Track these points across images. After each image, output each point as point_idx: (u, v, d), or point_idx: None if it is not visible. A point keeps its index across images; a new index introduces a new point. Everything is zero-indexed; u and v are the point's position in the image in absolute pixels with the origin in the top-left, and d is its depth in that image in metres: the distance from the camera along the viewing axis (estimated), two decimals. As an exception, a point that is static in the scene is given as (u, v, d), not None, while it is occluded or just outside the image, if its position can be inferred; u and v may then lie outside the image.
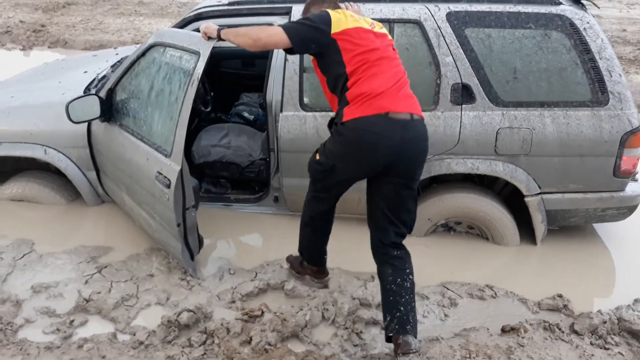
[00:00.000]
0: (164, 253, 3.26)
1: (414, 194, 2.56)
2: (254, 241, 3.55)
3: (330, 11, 2.53)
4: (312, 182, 2.76)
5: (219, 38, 2.61)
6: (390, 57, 2.56)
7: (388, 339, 2.52)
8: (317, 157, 2.65)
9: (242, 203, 3.76)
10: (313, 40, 2.49)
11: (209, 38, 2.66)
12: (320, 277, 3.05)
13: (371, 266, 3.15)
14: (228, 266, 3.21)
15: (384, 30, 2.64)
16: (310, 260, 3.02)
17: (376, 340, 2.67)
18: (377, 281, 3.03)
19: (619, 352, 2.58)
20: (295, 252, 3.07)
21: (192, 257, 3.04)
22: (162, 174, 2.80)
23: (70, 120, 3.18)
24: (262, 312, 2.76)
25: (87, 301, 2.87)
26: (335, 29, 2.46)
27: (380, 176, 2.52)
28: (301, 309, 2.79)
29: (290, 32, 2.46)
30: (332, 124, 2.65)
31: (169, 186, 2.75)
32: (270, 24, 2.96)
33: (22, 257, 3.27)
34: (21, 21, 9.48)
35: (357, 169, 2.56)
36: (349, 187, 2.72)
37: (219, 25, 2.65)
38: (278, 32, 2.46)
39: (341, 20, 2.49)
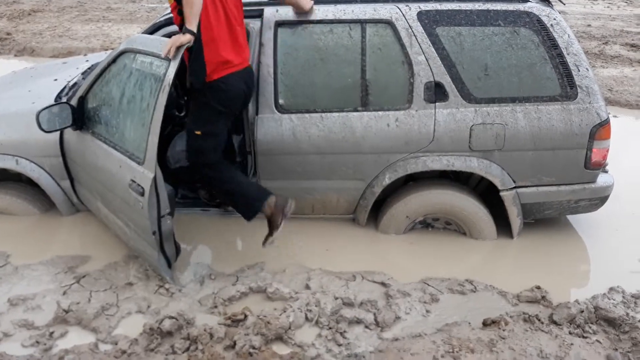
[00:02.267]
0: (142, 261, 3.23)
1: None
2: (233, 245, 3.53)
3: None
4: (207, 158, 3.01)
5: (191, 32, 2.64)
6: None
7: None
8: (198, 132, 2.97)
9: (219, 207, 3.73)
10: None
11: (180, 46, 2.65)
12: (283, 202, 3.06)
13: (352, 266, 3.19)
14: (208, 271, 3.19)
15: None
16: (263, 195, 3.05)
17: (360, 339, 2.68)
18: (358, 280, 3.07)
19: (597, 340, 2.64)
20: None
21: (169, 265, 3.02)
22: (135, 182, 2.77)
23: (42, 129, 3.13)
24: (245, 316, 2.76)
25: (67, 312, 2.82)
26: None
27: None
28: (284, 311, 2.79)
29: None
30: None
31: (142, 194, 2.72)
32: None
33: (-3, 270, 3.20)
34: (-14, 29, 9.28)
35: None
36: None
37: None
38: None
39: None
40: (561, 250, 3.46)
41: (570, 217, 3.80)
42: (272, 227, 3.09)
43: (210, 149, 3.03)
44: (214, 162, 3.06)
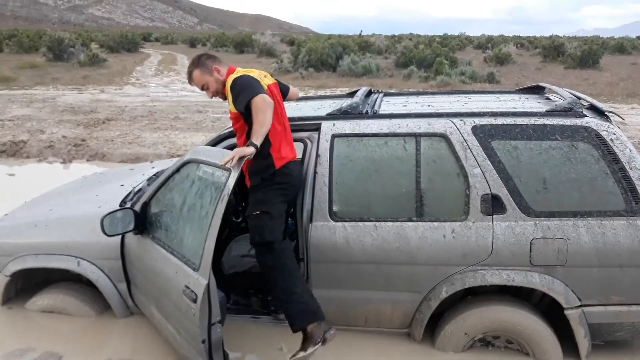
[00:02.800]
0: (191, 369, 3.17)
1: None
2: (282, 356, 3.43)
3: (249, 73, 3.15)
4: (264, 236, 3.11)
5: (256, 147, 2.84)
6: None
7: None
8: (256, 212, 3.15)
9: (270, 316, 3.68)
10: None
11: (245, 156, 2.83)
12: (328, 330, 3.02)
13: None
14: (256, 384, 3.09)
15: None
16: (313, 317, 3.02)
17: None
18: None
19: None
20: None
21: (217, 375, 2.94)
22: (189, 288, 2.79)
23: (105, 233, 3.26)
24: None
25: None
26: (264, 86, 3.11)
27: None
28: None
29: (263, 92, 2.99)
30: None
31: (195, 300, 2.73)
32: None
33: (49, 372, 3.21)
34: (63, 136, 10.03)
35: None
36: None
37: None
38: (262, 97, 2.93)
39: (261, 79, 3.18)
40: (637, 378, 3.17)
41: (645, 340, 3.52)
42: (306, 347, 3.00)
43: (269, 226, 3.13)
44: (275, 242, 3.10)
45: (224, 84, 3.22)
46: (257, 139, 2.87)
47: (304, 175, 3.38)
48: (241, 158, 2.78)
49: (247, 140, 2.96)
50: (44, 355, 3.38)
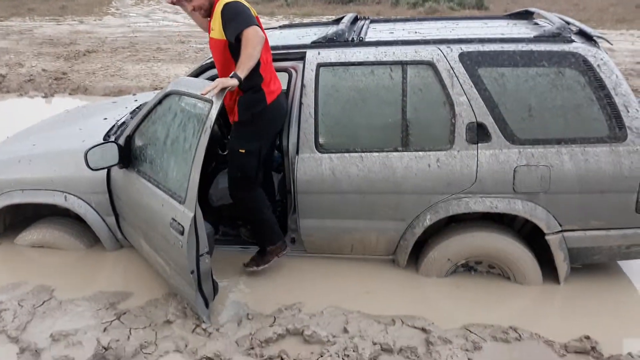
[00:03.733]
0: (181, 299, 3.25)
1: None
2: (271, 284, 3.52)
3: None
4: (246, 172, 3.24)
5: (240, 80, 2.77)
6: None
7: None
8: (242, 150, 3.19)
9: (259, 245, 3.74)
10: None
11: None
12: (284, 249, 3.48)
13: (392, 309, 3.12)
14: (246, 311, 3.18)
15: None
16: (277, 237, 3.43)
17: (398, 386, 2.61)
18: (398, 324, 2.99)
19: (653, 397, 2.48)
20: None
21: (206, 305, 3.02)
22: (176, 221, 2.81)
23: (89, 167, 3.23)
24: (282, 359, 2.72)
25: (106, 349, 2.86)
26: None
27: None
28: (321, 356, 2.74)
29: (256, 24, 2.92)
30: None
31: (182, 233, 2.75)
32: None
33: (42, 304, 3.28)
34: (44, 69, 9.77)
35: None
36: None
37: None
38: (255, 29, 2.86)
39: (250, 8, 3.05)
40: (612, 298, 3.30)
41: (621, 263, 3.63)
42: (264, 261, 3.46)
43: (253, 166, 3.25)
44: (253, 178, 3.27)
45: (210, 2, 3.08)
46: (243, 71, 2.79)
47: (290, 107, 3.35)
48: (223, 89, 2.71)
49: (228, 73, 2.87)
50: (36, 288, 3.43)
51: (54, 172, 3.66)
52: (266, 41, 3.06)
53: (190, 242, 2.76)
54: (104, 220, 3.71)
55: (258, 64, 2.99)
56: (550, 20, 3.51)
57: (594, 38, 3.20)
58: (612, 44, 3.40)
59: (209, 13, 3.13)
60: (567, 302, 3.29)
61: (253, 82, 3.02)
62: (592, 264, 3.48)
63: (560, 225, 3.16)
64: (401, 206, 3.27)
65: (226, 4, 2.98)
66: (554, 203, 3.12)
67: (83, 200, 3.64)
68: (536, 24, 3.76)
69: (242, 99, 3.11)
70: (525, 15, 4.06)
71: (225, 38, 2.99)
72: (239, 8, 2.98)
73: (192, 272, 2.82)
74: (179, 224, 2.78)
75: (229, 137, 4.08)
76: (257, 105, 3.13)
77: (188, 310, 3.16)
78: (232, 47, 2.98)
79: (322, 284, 3.43)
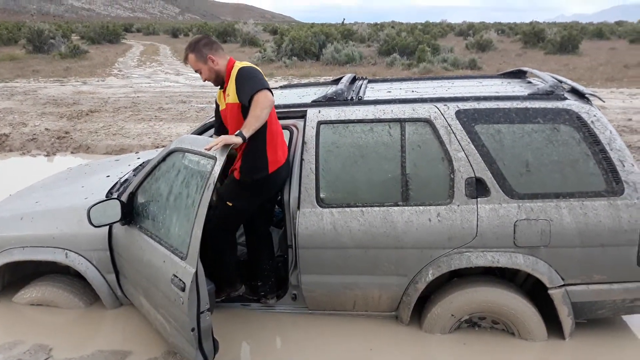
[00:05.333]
0: (181, 358, 3.19)
1: None
2: (272, 342, 3.47)
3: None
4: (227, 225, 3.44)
5: (244, 139, 2.85)
6: None
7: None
8: (230, 204, 3.31)
9: (260, 302, 3.71)
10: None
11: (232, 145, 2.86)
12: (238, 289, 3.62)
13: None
14: (247, 370, 3.12)
15: None
16: (235, 282, 3.59)
17: None
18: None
19: None
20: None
21: (207, 363, 2.97)
22: (177, 277, 2.80)
23: (91, 224, 3.25)
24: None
25: (103, 411, 2.78)
26: None
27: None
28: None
29: (269, 88, 3.02)
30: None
31: (183, 289, 2.74)
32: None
33: (39, 364, 3.21)
34: (46, 129, 9.92)
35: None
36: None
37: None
38: (265, 94, 2.97)
39: None
40: (617, 354, 3.26)
41: (626, 318, 3.60)
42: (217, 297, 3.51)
43: (235, 222, 3.49)
44: (231, 235, 3.49)
45: (217, 72, 3.23)
46: (248, 131, 2.88)
47: (291, 163, 3.40)
48: (226, 145, 2.78)
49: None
50: (33, 347, 3.38)
51: (55, 229, 3.67)
52: (272, 108, 3.14)
53: (192, 298, 2.74)
54: (104, 278, 3.68)
55: (264, 129, 3.09)
56: (543, 79, 3.63)
57: (587, 96, 3.30)
58: (604, 101, 3.50)
59: (219, 82, 3.30)
60: (573, 357, 3.24)
61: (258, 145, 3.12)
62: (597, 319, 3.44)
63: (563, 279, 3.16)
64: (403, 261, 3.27)
65: (241, 69, 3.13)
66: (556, 257, 3.13)
67: (84, 257, 3.63)
68: (529, 82, 3.88)
69: (246, 161, 3.20)
70: (519, 75, 4.20)
71: (238, 101, 3.10)
72: (252, 72, 3.12)
73: (192, 330, 2.79)
74: (180, 280, 2.78)
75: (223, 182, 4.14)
76: (259, 172, 3.23)
77: (188, 369, 3.10)
78: (245, 110, 3.06)
79: (325, 342, 3.38)
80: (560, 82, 3.50)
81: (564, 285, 3.17)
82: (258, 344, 3.41)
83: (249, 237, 3.74)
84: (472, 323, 3.47)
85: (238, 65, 3.18)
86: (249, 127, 2.88)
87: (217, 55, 3.22)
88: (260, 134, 3.05)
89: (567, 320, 3.24)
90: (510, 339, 3.35)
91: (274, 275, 3.69)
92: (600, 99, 3.40)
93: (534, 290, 3.38)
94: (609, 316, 3.40)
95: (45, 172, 5.98)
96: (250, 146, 3.07)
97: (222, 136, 2.81)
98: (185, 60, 3.32)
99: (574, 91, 3.40)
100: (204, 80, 3.31)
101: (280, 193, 3.45)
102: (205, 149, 2.77)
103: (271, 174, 3.26)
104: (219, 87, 3.34)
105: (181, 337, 2.94)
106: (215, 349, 3.03)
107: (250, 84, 3.02)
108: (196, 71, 3.30)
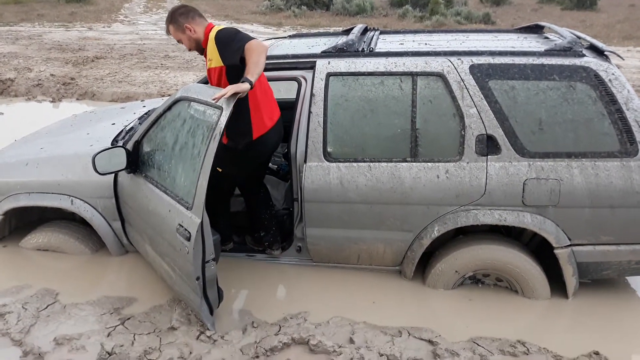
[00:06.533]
0: (186, 305, 3.23)
1: None
2: (277, 292, 3.50)
3: None
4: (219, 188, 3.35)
5: (250, 82, 2.76)
6: None
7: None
8: (219, 169, 3.17)
9: (265, 253, 3.73)
10: None
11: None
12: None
13: (398, 321, 3.10)
14: (251, 319, 3.16)
15: None
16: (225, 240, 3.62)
17: (404, 399, 2.57)
18: (405, 336, 2.97)
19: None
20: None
21: (211, 312, 3.00)
22: (183, 227, 2.80)
23: (97, 171, 3.23)
24: (286, 368, 2.69)
25: (110, 354, 2.84)
26: None
27: None
28: (326, 366, 2.71)
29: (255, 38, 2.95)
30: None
31: (189, 239, 2.74)
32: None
33: (46, 307, 3.26)
34: (52, 74, 9.81)
35: None
36: None
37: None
38: (256, 41, 2.92)
39: None
40: (621, 314, 3.27)
41: (630, 279, 3.60)
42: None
43: (226, 186, 3.52)
44: (224, 196, 3.55)
45: (197, 41, 3.18)
46: (253, 75, 2.77)
47: (299, 115, 3.34)
48: (233, 95, 2.71)
49: None
50: (40, 292, 3.42)
51: (61, 175, 3.66)
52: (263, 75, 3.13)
53: (197, 248, 2.74)
54: (109, 225, 3.70)
55: (247, 99, 3.05)
56: (561, 35, 3.51)
57: (606, 53, 3.19)
58: (623, 59, 3.40)
59: (201, 49, 3.22)
60: (575, 317, 3.25)
61: (241, 112, 3.07)
62: (601, 279, 3.44)
63: (570, 240, 3.14)
64: (409, 217, 3.25)
65: (218, 32, 3.06)
66: (564, 217, 3.10)
67: (89, 204, 3.63)
68: (547, 38, 3.76)
69: (230, 129, 3.09)
70: (536, 30, 4.07)
71: (222, 64, 3.03)
72: (232, 31, 3.05)
73: (197, 279, 2.80)
74: (185, 229, 2.77)
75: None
76: (243, 138, 3.19)
77: (192, 317, 3.14)
78: (230, 73, 3.02)
79: (328, 294, 3.40)
80: (579, 38, 3.39)
81: (570, 245, 3.15)
82: (262, 294, 3.44)
83: (243, 194, 3.75)
84: (476, 280, 3.48)
85: (216, 29, 3.11)
86: (253, 71, 2.79)
87: (194, 23, 3.17)
88: (243, 99, 2.94)
89: (571, 280, 3.24)
90: (514, 296, 3.36)
91: (276, 225, 3.69)
92: (619, 55, 3.29)
93: (539, 249, 3.37)
94: (613, 277, 3.40)
95: (51, 118, 5.96)
96: (233, 110, 2.96)
97: (230, 85, 2.73)
98: (168, 33, 3.26)
99: (593, 48, 3.29)
100: (189, 50, 3.27)
101: (285, 146, 3.41)
102: (213, 99, 2.70)
103: (256, 139, 3.20)
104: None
105: (186, 285, 2.96)
106: (220, 297, 3.07)
107: (235, 43, 2.94)
108: (178, 42, 3.25)
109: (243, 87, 2.71)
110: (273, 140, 3.36)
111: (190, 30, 3.16)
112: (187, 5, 3.32)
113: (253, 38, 2.97)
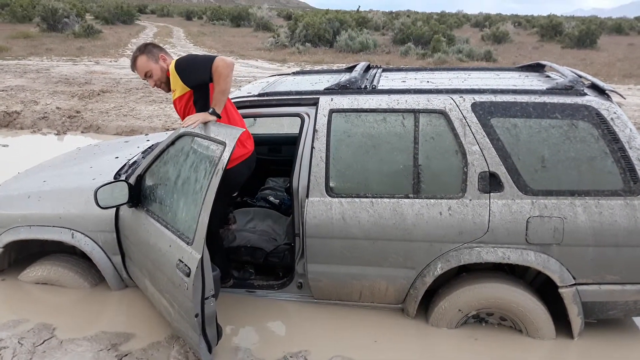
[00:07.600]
0: (184, 342, 3.17)
1: None
2: (276, 330, 3.44)
3: None
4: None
5: (218, 115, 2.91)
6: None
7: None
8: None
9: (265, 289, 3.69)
10: None
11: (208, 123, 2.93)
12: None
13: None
14: (250, 357, 3.10)
15: None
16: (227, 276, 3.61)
17: None
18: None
19: None
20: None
21: (209, 349, 2.94)
22: (183, 262, 2.77)
23: (98, 205, 3.22)
24: (285, 409, 2.63)
25: (105, 393, 2.77)
26: None
27: None
28: (326, 407, 2.64)
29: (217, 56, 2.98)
30: None
31: (188, 274, 2.71)
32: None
33: (42, 343, 3.22)
34: (58, 107, 9.92)
35: None
36: None
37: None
38: (221, 59, 2.93)
39: None
40: (628, 355, 3.20)
41: (637, 319, 3.54)
42: None
43: (215, 222, 3.34)
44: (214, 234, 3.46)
45: (167, 75, 3.22)
46: (219, 106, 2.88)
47: (301, 151, 3.35)
48: (203, 124, 2.85)
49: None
50: (37, 326, 3.37)
51: (62, 209, 3.66)
52: (230, 105, 3.20)
53: (196, 284, 2.71)
54: (109, 259, 3.67)
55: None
56: (562, 73, 3.55)
57: (607, 92, 3.22)
58: (624, 98, 3.42)
59: (168, 81, 3.24)
60: (581, 358, 3.18)
61: None
62: (607, 319, 3.38)
63: (574, 279, 3.10)
64: (412, 254, 3.22)
65: (177, 60, 3.12)
66: (568, 255, 3.07)
67: (90, 238, 3.61)
68: (548, 76, 3.79)
69: None
70: (537, 68, 4.11)
71: (188, 89, 3.08)
72: (189, 57, 3.12)
73: (196, 316, 2.76)
74: (185, 265, 2.75)
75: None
76: None
77: (190, 354, 3.09)
78: (196, 97, 3.08)
79: (329, 332, 3.35)
80: (580, 77, 3.42)
81: (575, 284, 3.11)
82: (262, 331, 3.39)
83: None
84: (480, 319, 3.42)
85: (173, 60, 3.16)
86: (218, 102, 2.88)
87: (166, 54, 3.28)
88: None
89: (576, 319, 3.18)
90: (518, 336, 3.30)
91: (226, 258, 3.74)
92: (620, 94, 3.31)
93: (543, 288, 3.32)
94: (619, 317, 3.34)
95: (55, 151, 5.99)
96: None
97: (198, 114, 2.81)
98: (134, 65, 3.27)
99: (594, 87, 3.32)
100: (153, 86, 3.29)
101: (287, 180, 3.41)
102: (182, 126, 2.80)
103: (229, 169, 3.12)
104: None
105: (185, 322, 2.92)
106: (219, 335, 3.02)
107: (198, 63, 3.00)
108: (145, 76, 3.27)
109: (210, 117, 2.87)
110: (244, 172, 3.37)
111: (165, 60, 3.23)
112: (155, 43, 3.42)
113: (215, 56, 3.00)
